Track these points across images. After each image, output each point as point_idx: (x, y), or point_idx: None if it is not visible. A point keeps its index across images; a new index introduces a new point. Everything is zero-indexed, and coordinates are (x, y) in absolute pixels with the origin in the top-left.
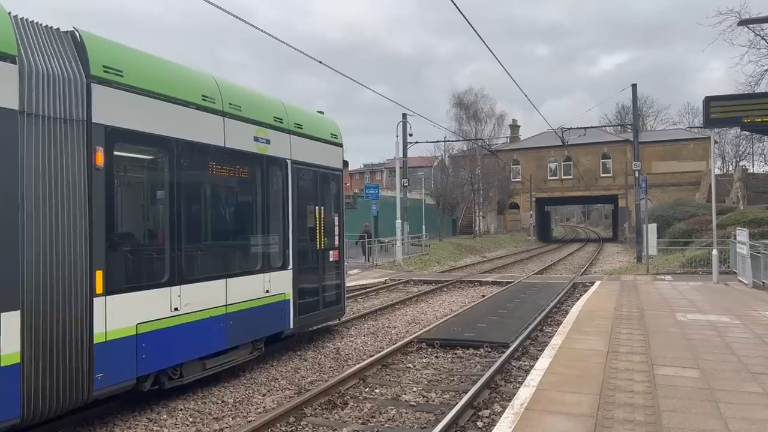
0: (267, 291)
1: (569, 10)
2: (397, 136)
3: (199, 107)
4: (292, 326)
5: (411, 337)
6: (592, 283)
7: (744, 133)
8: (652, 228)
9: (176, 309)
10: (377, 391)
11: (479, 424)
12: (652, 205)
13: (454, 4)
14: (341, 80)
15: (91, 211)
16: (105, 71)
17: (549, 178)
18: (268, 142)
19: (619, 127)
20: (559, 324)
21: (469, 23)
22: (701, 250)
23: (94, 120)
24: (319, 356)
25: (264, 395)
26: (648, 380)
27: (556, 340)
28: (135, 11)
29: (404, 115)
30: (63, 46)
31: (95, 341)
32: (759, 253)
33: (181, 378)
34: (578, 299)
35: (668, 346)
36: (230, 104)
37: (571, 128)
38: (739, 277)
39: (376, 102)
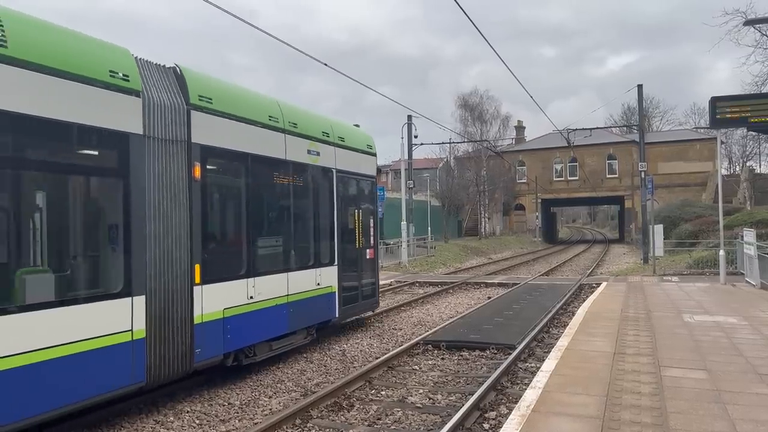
0: (318, 284)
1: (576, 11)
2: (402, 138)
3: (265, 126)
4: (337, 315)
5: (417, 339)
6: (599, 285)
7: (751, 133)
8: (659, 229)
9: (251, 297)
10: (383, 393)
11: (485, 426)
12: (658, 206)
13: (459, 6)
14: (348, 82)
15: (191, 215)
16: (200, 99)
17: (554, 179)
18: (318, 154)
19: (624, 128)
20: (565, 325)
21: (474, 24)
22: (708, 251)
23: (192, 140)
24: (325, 358)
25: (270, 397)
26: (655, 382)
27: (563, 342)
28: (139, 13)
29: (409, 117)
30: (168, 80)
31: (195, 322)
32: (766, 253)
33: (254, 357)
34: (584, 301)
35: (675, 348)
36: (289, 122)
37: (576, 129)
38: (746, 278)
39: (383, 104)
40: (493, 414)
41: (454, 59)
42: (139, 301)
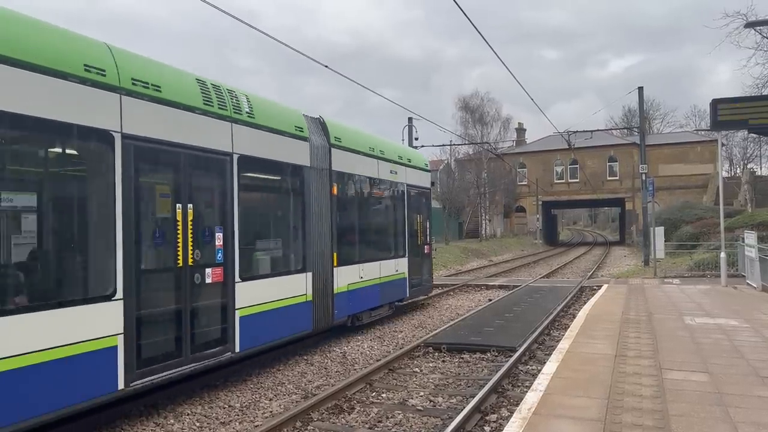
0: (396, 270)
1: (578, 14)
2: (403, 140)
3: (367, 155)
4: (408, 296)
5: (418, 342)
6: (600, 287)
7: (752, 135)
8: (660, 231)
9: (361, 277)
10: (384, 395)
11: (486, 428)
12: (659, 208)
13: (460, 8)
14: (351, 84)
15: (331, 220)
16: (335, 140)
17: (555, 181)
18: (396, 173)
19: (625, 130)
20: (566, 328)
21: (475, 27)
22: (709, 253)
23: (333, 168)
24: (326, 360)
25: (271, 399)
26: (656, 384)
27: (564, 344)
28: (140, 15)
29: (410, 119)
30: (318, 127)
31: (334, 292)
32: (767, 255)
33: (361, 321)
34: (585, 303)
35: (676, 350)
36: (380, 151)
37: (577, 131)
38: (747, 281)
39: (385, 106)
40: (494, 417)
41: (455, 61)
42: (309, 276)
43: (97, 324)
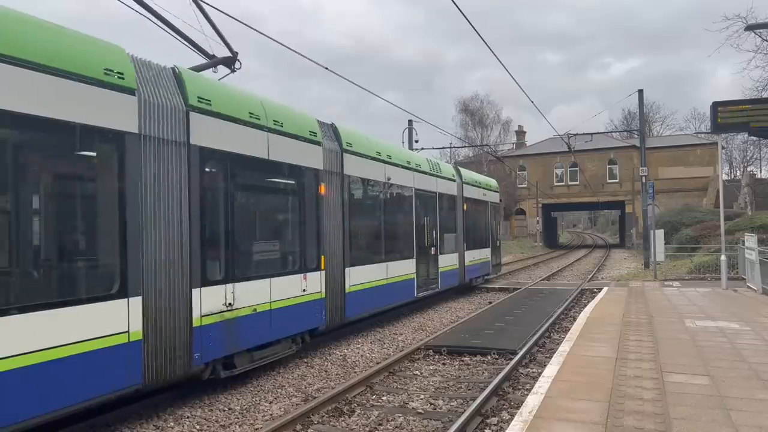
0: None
1: (580, 17)
2: (403, 143)
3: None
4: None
5: (418, 344)
6: (600, 290)
7: (751, 138)
8: (660, 234)
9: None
10: (384, 398)
11: None
12: (659, 210)
13: (461, 12)
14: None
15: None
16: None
17: (555, 184)
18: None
19: (625, 133)
20: (566, 331)
21: (476, 31)
22: (709, 256)
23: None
24: (326, 363)
25: (271, 402)
26: (658, 387)
27: (564, 347)
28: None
29: (410, 122)
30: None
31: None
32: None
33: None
34: (586, 306)
35: (678, 353)
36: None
37: (577, 134)
38: (748, 283)
39: (388, 109)
40: (495, 420)
41: (457, 64)
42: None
43: None
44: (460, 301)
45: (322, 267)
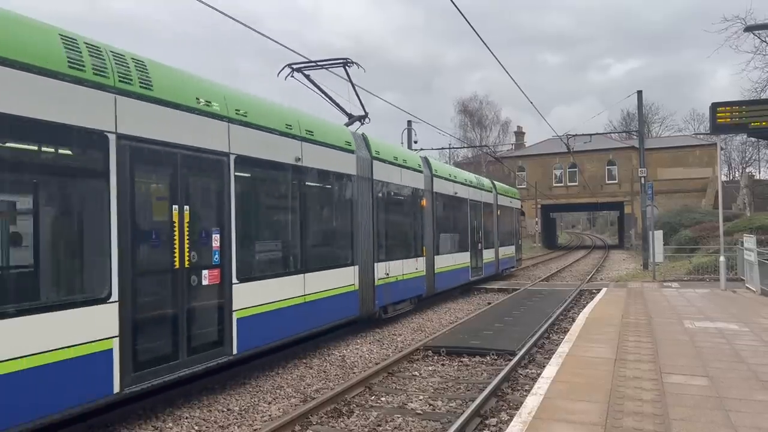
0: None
1: (580, 18)
2: (402, 143)
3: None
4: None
5: (417, 345)
6: (599, 290)
7: (750, 139)
8: (659, 235)
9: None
10: (383, 399)
11: None
12: (658, 211)
13: (460, 12)
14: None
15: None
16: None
17: (554, 184)
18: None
19: (624, 134)
20: (565, 331)
21: (476, 32)
22: (708, 257)
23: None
24: (325, 364)
25: (269, 403)
26: (657, 388)
27: (563, 348)
28: (141, 18)
29: (409, 122)
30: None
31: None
32: (766, 260)
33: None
34: (585, 306)
35: (677, 354)
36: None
37: (576, 135)
38: (746, 284)
39: (388, 109)
40: (494, 420)
41: (456, 65)
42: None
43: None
44: (459, 301)
45: (424, 254)
